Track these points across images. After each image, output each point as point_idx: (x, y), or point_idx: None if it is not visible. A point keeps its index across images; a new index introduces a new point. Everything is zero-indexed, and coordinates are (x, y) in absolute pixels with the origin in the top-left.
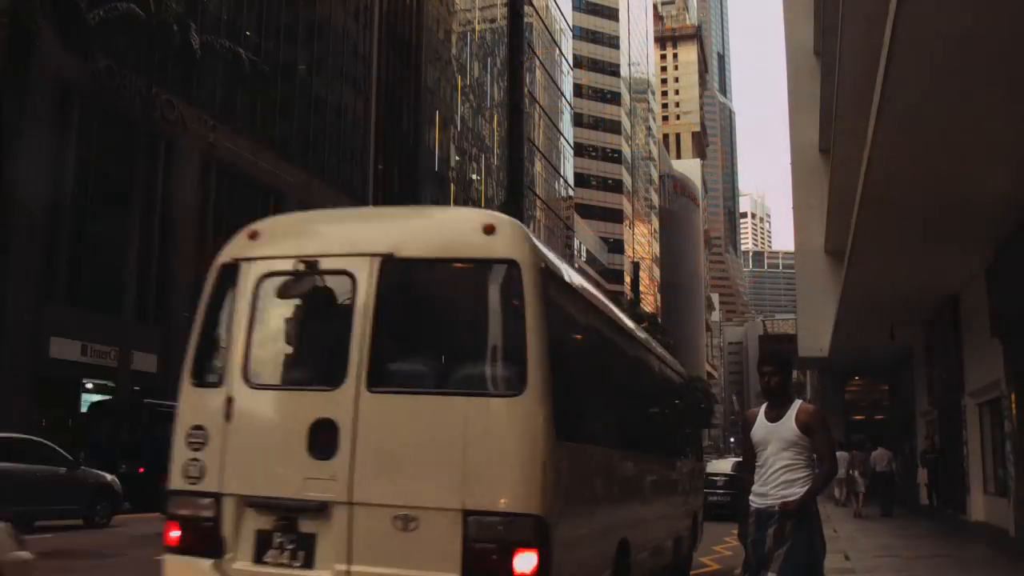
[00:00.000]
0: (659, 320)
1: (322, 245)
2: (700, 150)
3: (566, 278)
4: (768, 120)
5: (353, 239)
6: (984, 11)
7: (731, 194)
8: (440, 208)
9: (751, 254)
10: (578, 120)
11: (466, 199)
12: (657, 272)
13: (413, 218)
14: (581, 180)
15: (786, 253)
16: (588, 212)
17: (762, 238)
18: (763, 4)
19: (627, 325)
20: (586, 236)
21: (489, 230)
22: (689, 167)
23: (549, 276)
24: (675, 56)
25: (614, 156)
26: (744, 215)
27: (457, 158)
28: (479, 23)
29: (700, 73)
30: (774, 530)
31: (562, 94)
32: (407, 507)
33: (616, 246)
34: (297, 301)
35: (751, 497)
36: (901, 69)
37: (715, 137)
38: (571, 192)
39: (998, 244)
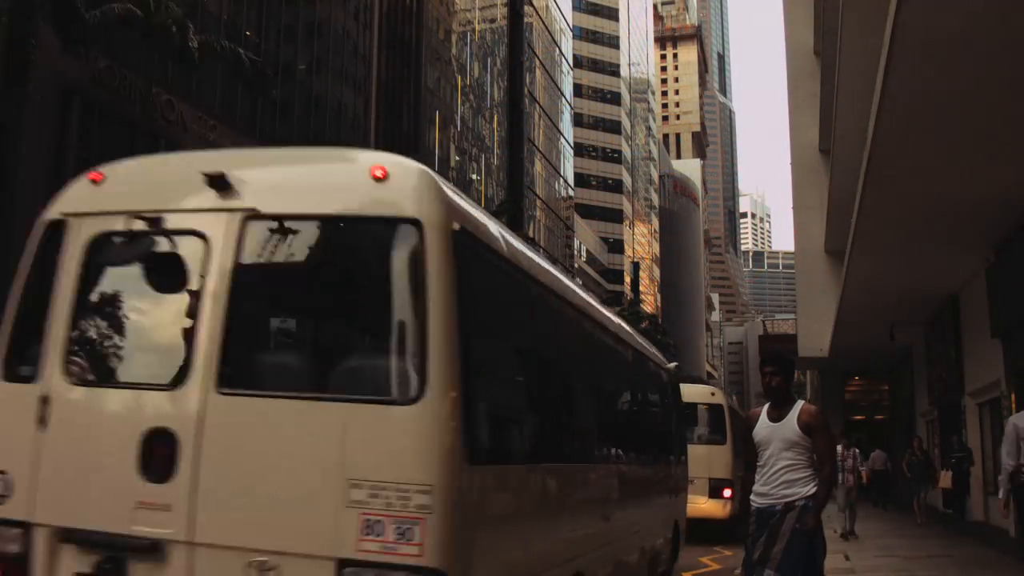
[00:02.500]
0: (659, 320)
1: (171, 197)
2: (700, 150)
3: (495, 244)
4: (768, 120)
5: (210, 189)
6: (983, 11)
7: (731, 194)
8: (327, 150)
9: (751, 254)
10: (578, 120)
11: None
12: (657, 272)
13: (289, 163)
14: (581, 180)
15: (786, 253)
16: (588, 212)
17: (762, 238)
18: (763, 4)
19: (583, 303)
20: (586, 236)
21: (382, 177)
22: (689, 167)
23: (467, 241)
24: (675, 56)
25: (614, 156)
26: (744, 215)
27: (457, 158)
28: (479, 23)
29: (700, 73)
30: (771, 528)
31: (562, 94)
32: (265, 551)
33: (616, 246)
34: (135, 271)
35: (752, 496)
36: (901, 69)
37: (715, 137)
38: (571, 192)
39: (998, 244)
